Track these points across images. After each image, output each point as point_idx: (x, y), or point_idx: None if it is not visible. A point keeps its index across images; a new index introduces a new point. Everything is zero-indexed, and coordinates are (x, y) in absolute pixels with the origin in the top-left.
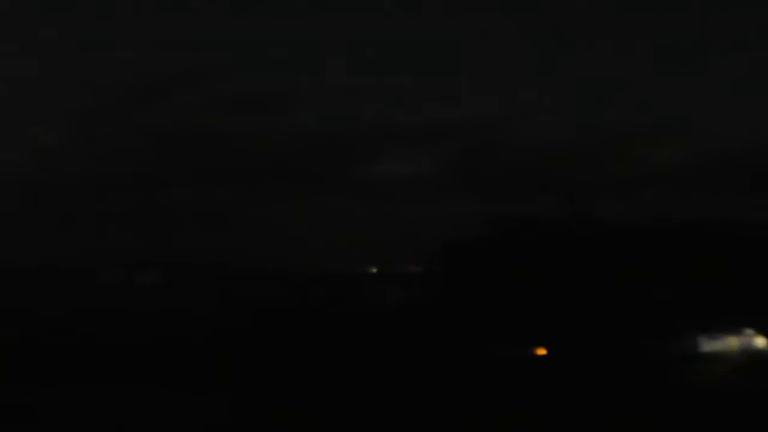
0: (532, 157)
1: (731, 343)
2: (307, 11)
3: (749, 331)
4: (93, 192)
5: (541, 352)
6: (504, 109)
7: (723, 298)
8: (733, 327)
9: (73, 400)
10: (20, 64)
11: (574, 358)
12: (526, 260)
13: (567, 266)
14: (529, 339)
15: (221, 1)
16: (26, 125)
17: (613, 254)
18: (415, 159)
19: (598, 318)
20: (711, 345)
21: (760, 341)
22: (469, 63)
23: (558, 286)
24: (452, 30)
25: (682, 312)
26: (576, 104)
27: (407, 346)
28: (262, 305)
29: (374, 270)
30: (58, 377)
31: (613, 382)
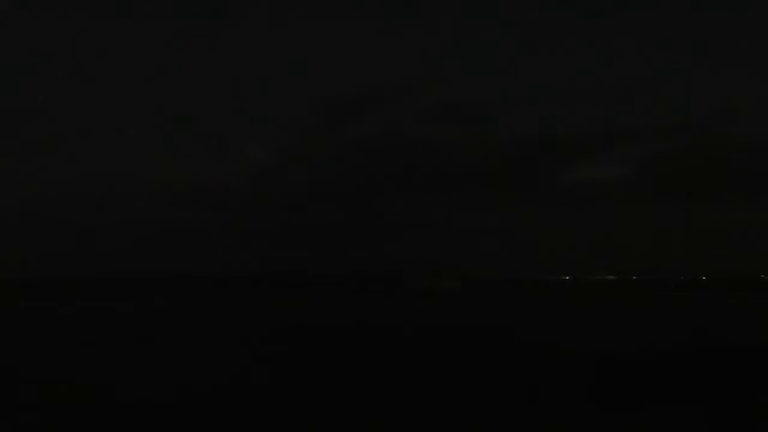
0: (744, 155)
1: None
2: (497, 13)
3: None
4: (310, 204)
5: None
6: (712, 108)
7: None
8: None
9: None
10: (237, 84)
11: None
12: None
13: None
14: None
15: (427, 18)
16: (241, 143)
17: None
18: (617, 162)
19: None
20: None
21: None
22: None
23: None
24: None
25: None
26: None
27: None
28: None
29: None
30: None
31: None
